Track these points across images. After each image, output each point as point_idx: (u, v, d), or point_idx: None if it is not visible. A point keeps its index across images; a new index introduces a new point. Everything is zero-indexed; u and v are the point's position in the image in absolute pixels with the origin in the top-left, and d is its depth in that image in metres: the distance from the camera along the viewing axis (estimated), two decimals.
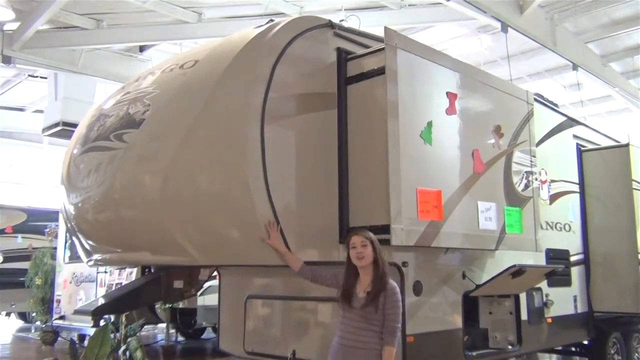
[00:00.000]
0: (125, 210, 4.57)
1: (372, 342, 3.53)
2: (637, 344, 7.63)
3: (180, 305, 10.36)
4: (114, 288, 9.40)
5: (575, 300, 6.60)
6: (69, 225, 5.43)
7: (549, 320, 6.20)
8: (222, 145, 4.14)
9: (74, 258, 10.83)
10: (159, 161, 4.34)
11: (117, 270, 9.74)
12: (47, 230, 14.05)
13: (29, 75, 14.50)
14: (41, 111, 14.57)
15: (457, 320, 5.01)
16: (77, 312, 5.84)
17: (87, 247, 5.25)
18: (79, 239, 5.30)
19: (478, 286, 5.16)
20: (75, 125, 6.01)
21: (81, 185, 4.95)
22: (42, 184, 18.80)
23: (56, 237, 12.93)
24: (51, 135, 13.40)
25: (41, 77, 14.35)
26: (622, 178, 7.21)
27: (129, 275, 9.45)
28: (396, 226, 4.10)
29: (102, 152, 4.73)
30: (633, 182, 7.15)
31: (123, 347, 6.23)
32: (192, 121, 4.24)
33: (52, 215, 13.33)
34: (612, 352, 7.25)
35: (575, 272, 6.86)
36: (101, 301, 5.45)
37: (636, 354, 7.69)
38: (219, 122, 4.19)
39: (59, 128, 12.70)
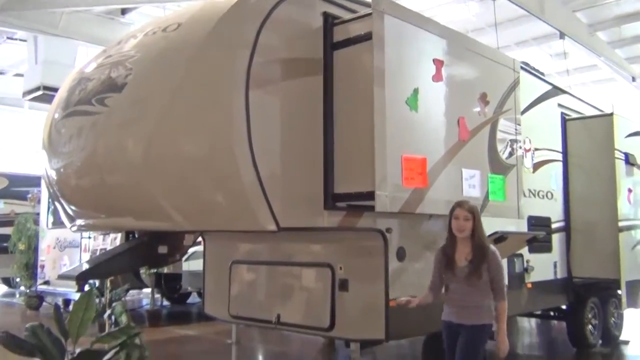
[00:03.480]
0: (108, 176, 4.53)
1: (479, 299, 3.89)
2: (614, 308, 7.83)
3: (165, 270, 10.42)
4: (98, 253, 9.40)
5: (555, 266, 6.73)
6: (51, 190, 5.38)
7: (529, 285, 6.32)
8: (206, 110, 4.09)
9: (57, 223, 10.78)
10: (142, 126, 4.29)
11: (101, 236, 9.73)
12: (30, 195, 13.95)
13: (8, 38, 14.16)
14: (22, 75, 14.29)
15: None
16: (61, 277, 5.86)
17: (70, 212, 5.21)
18: (61, 204, 5.26)
19: None
20: (56, 89, 5.90)
21: (63, 150, 4.89)
22: (24, 149, 18.56)
23: (39, 202, 12.84)
24: (32, 99, 13.21)
25: (20, 40, 14.02)
26: (605, 147, 7.29)
27: (113, 241, 9.44)
28: (381, 193, 4.12)
29: (84, 117, 4.66)
30: (615, 152, 7.23)
31: (108, 312, 6.27)
32: (175, 86, 4.18)
33: (34, 181, 13.20)
34: (590, 316, 7.44)
35: (556, 239, 6.98)
36: (85, 266, 5.45)
37: (612, 318, 7.90)
38: (203, 87, 4.13)
39: (39, 92, 12.50)
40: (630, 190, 7.49)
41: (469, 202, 4.07)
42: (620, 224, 7.11)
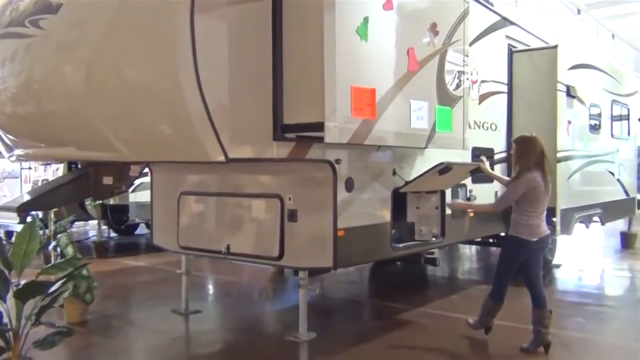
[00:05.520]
0: (47, 103, 4.32)
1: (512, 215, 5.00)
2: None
3: (111, 201, 10.26)
4: (40, 184, 9.13)
5: (496, 196, 6.97)
6: None
7: (471, 214, 6.57)
8: (148, 35, 3.89)
9: None
10: (81, 51, 4.06)
11: (43, 166, 9.43)
12: None
13: None
14: None
15: (386, 215, 5.23)
16: (1, 208, 5.66)
17: (7, 141, 4.99)
18: None
19: (407, 183, 5.35)
20: None
21: None
22: None
23: None
24: None
25: None
26: (548, 79, 7.45)
27: (55, 172, 9.17)
28: (330, 124, 4.11)
29: (18, 40, 4.37)
30: (558, 84, 7.40)
31: (53, 243, 6.16)
32: (116, 8, 3.94)
33: None
34: None
35: (498, 170, 7.21)
36: (26, 197, 5.29)
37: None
38: (145, 10, 3.90)
39: None
40: (569, 122, 7.75)
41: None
42: (559, 154, 7.39)
